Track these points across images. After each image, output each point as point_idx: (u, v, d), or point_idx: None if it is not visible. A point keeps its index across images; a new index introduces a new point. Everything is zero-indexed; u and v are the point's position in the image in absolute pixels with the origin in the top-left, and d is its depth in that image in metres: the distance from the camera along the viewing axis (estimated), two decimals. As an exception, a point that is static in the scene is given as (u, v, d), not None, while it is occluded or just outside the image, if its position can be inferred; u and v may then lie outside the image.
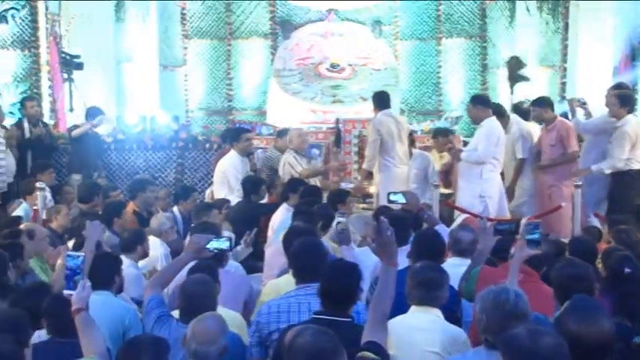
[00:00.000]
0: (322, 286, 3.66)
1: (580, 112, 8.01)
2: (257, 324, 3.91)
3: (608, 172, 7.47)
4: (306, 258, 4.06)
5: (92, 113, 9.59)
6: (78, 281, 3.46)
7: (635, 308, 4.18)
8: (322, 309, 3.62)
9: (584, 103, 8.03)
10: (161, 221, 6.55)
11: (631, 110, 7.53)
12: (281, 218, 6.69)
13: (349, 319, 3.58)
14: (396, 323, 3.55)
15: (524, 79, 11.47)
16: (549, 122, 7.97)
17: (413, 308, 3.75)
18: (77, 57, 10.47)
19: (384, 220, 3.24)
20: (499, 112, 7.96)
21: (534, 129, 8.42)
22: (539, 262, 4.45)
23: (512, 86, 9.54)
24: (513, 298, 3.15)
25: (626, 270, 4.33)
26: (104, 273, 4.30)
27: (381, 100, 8.24)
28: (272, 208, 7.23)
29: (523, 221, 6.91)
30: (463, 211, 7.29)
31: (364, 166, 8.18)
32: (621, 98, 7.48)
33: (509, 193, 8.01)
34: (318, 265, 3.93)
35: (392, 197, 6.14)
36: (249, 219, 6.95)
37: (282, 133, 9.05)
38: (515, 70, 9.58)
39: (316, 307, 3.73)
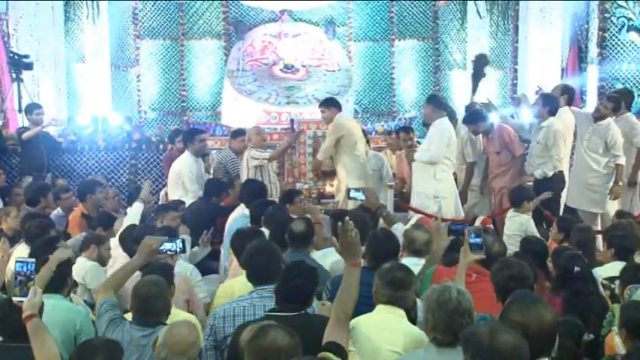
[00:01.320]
0: (279, 286, 3.67)
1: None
2: (212, 328, 3.87)
3: (550, 174, 7.61)
4: (261, 261, 4.02)
5: (29, 109, 9.48)
6: (29, 288, 3.41)
7: (585, 306, 4.27)
8: (276, 307, 3.64)
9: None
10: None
11: (553, 112, 7.69)
12: (234, 218, 6.66)
13: (302, 312, 3.61)
14: (361, 321, 3.58)
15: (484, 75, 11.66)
16: (487, 132, 8.14)
17: (378, 307, 3.76)
18: (26, 57, 10.26)
19: (348, 221, 3.26)
20: (450, 116, 8.07)
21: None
22: (490, 261, 4.51)
23: (476, 84, 9.68)
24: (456, 296, 3.22)
25: (576, 269, 4.42)
26: (55, 276, 4.21)
27: (337, 103, 8.31)
28: (229, 210, 7.19)
29: (478, 221, 7.05)
30: (417, 211, 7.34)
31: (318, 156, 8.28)
32: (544, 99, 7.73)
33: (462, 197, 8.09)
34: (274, 268, 3.93)
35: (352, 194, 6.21)
36: (206, 220, 6.90)
37: (235, 134, 9.00)
38: (482, 67, 9.73)
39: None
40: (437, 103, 7.69)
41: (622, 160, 7.54)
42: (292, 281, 3.65)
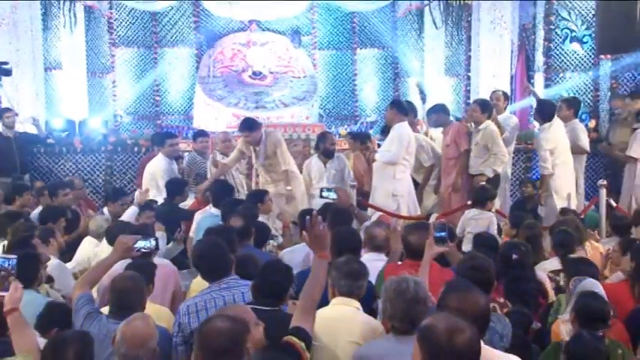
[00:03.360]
0: (256, 281, 3.68)
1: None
2: (179, 325, 3.84)
3: (499, 170, 7.76)
4: (210, 261, 4.00)
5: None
6: (11, 282, 3.40)
7: (523, 290, 4.35)
8: (253, 300, 3.64)
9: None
10: (99, 224, 6.43)
11: (489, 116, 7.90)
12: (202, 217, 6.63)
13: (276, 308, 3.61)
14: (319, 315, 3.58)
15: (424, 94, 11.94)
16: (445, 126, 8.21)
17: (334, 301, 3.78)
18: (5, 63, 10.11)
19: (316, 215, 3.28)
20: (412, 111, 8.25)
21: (436, 133, 8.67)
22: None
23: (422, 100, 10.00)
24: (413, 285, 3.27)
25: (514, 256, 4.50)
26: (27, 272, 4.15)
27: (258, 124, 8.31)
28: (192, 213, 7.15)
29: (432, 219, 7.11)
30: (377, 209, 7.38)
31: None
32: (482, 106, 7.87)
33: (418, 196, 8.15)
34: (224, 263, 3.95)
35: (324, 193, 6.21)
36: (172, 220, 6.86)
37: (195, 135, 8.96)
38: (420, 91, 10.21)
39: (231, 300, 3.79)
40: (399, 108, 7.74)
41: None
42: (270, 277, 3.67)
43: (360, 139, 8.97)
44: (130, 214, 6.69)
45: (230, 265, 3.95)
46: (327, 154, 8.18)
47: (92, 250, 6.20)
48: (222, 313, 2.97)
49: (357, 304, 3.78)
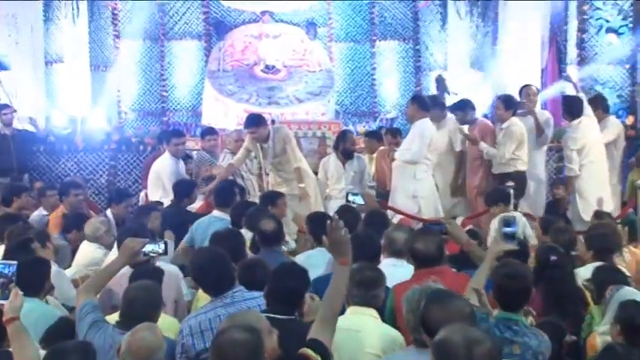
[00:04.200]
0: (270, 287, 3.66)
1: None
2: (182, 346, 3.80)
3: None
4: (212, 274, 3.93)
5: None
6: (11, 289, 3.40)
7: (561, 295, 4.30)
8: (267, 308, 3.64)
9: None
10: (95, 226, 6.42)
11: (514, 112, 7.90)
12: (208, 222, 6.63)
13: (293, 317, 3.59)
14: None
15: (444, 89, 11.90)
16: (471, 123, 8.19)
17: (350, 310, 3.77)
18: (4, 56, 10.21)
19: (337, 219, 3.28)
20: (439, 105, 8.26)
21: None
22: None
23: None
24: None
25: (552, 257, 4.45)
26: (33, 279, 4.18)
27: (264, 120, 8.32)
28: (201, 216, 7.15)
29: (458, 221, 7.06)
30: (397, 211, 7.36)
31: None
32: (506, 102, 7.82)
33: (453, 188, 8.12)
34: (227, 276, 3.90)
35: (350, 198, 6.24)
36: (179, 225, 6.87)
37: (203, 133, 8.98)
38: (443, 85, 10.13)
39: None
40: (421, 103, 7.73)
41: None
42: (284, 283, 3.66)
43: (391, 133, 8.98)
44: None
45: (234, 277, 3.88)
46: (346, 155, 8.19)
47: (91, 254, 6.22)
48: (233, 321, 2.97)
49: (375, 312, 3.78)
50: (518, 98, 8.58)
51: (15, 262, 3.55)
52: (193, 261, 4.14)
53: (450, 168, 8.32)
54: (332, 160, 8.31)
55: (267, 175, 8.34)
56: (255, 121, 7.95)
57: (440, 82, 11.23)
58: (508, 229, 3.99)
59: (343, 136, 8.45)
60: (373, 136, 9.35)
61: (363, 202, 6.22)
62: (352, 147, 8.25)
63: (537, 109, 8.59)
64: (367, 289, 3.73)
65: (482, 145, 7.94)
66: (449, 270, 4.32)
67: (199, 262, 4.05)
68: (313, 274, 5.09)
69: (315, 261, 5.21)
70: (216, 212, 6.56)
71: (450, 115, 8.39)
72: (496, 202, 6.97)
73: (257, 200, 7.37)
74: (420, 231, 4.74)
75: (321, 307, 3.27)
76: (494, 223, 6.63)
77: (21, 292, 3.41)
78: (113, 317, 3.88)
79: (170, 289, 4.83)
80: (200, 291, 4.78)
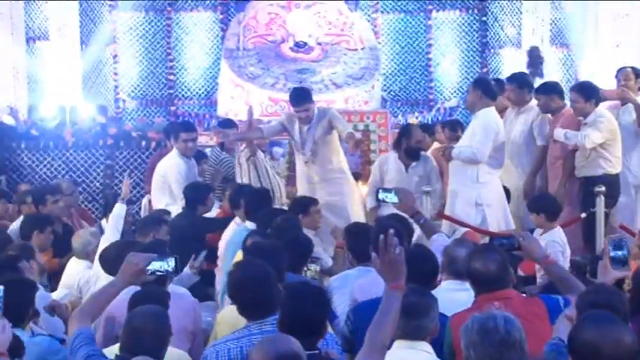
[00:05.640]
0: (283, 315, 3.70)
1: None
2: None
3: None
4: (253, 293, 3.98)
5: None
6: None
7: None
8: None
9: None
10: (85, 240, 6.51)
11: (597, 102, 7.88)
12: (230, 235, 6.74)
13: (316, 351, 3.63)
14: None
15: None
16: (556, 112, 8.15)
17: (396, 344, 3.81)
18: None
19: (391, 234, 3.32)
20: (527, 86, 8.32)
21: None
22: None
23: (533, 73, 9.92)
24: (503, 324, 3.25)
25: None
26: (15, 306, 4.21)
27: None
28: (222, 223, 7.23)
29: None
30: (456, 222, 7.37)
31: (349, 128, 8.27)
32: (584, 92, 7.94)
33: (528, 193, 8.11)
34: (271, 298, 3.94)
35: (381, 195, 6.22)
36: (193, 237, 6.95)
37: (221, 125, 9.04)
38: (538, 63, 9.97)
39: None
40: (486, 89, 7.69)
41: None
42: (299, 309, 3.68)
43: (450, 127, 8.97)
44: (117, 217, 6.77)
45: (278, 301, 3.91)
46: (411, 155, 8.18)
47: (81, 273, 6.32)
48: (267, 346, 3.06)
49: (427, 346, 3.81)
50: (614, 82, 8.55)
51: (1, 287, 3.59)
52: (231, 276, 4.19)
53: (526, 167, 8.30)
54: (392, 161, 8.27)
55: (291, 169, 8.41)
56: (306, 95, 8.07)
57: (534, 56, 11.05)
58: (619, 253, 3.99)
59: (407, 131, 8.42)
60: (425, 129, 9.37)
61: (397, 201, 6.18)
62: (419, 145, 8.23)
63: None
64: (409, 319, 3.74)
65: (558, 131, 7.90)
66: (517, 295, 4.32)
67: (239, 278, 4.10)
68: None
69: (354, 283, 5.26)
70: (248, 223, 6.61)
71: (533, 102, 8.39)
72: (537, 210, 6.98)
73: (285, 207, 7.45)
74: (480, 247, 4.76)
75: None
76: (545, 237, 6.67)
77: (9, 324, 3.46)
78: (112, 350, 3.95)
79: (185, 318, 4.86)
80: (222, 313, 4.87)
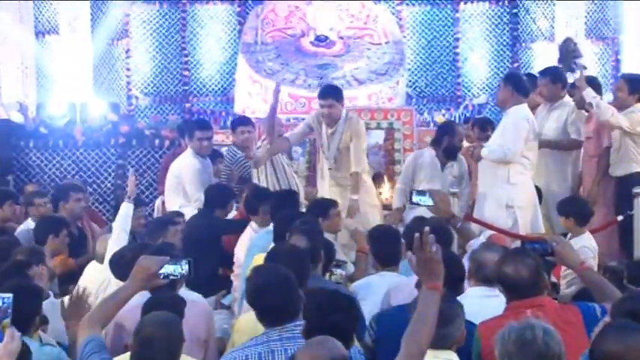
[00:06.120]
0: (310, 324, 3.70)
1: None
2: None
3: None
4: (274, 298, 3.98)
5: None
6: (6, 327, 3.49)
7: None
8: None
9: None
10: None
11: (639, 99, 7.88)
12: (248, 240, 6.75)
13: None
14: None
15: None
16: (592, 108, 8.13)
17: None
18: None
19: (427, 231, 3.33)
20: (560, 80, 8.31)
21: None
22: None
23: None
24: (541, 336, 3.24)
25: None
26: (22, 312, 4.19)
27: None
28: (240, 225, 7.24)
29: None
30: (486, 225, 7.35)
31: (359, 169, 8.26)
32: (631, 83, 7.94)
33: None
34: (292, 304, 3.94)
35: (415, 198, 6.22)
36: (208, 238, 6.97)
37: (234, 124, 9.05)
38: (569, 57, 9.84)
39: None
40: (518, 85, 7.66)
41: None
42: (328, 317, 3.67)
43: (480, 125, 8.95)
44: (124, 217, 6.81)
45: (300, 307, 3.92)
46: (450, 154, 8.17)
47: (99, 279, 6.36)
48: (317, 349, 3.11)
49: (452, 355, 3.82)
50: None
51: (10, 295, 3.63)
52: (251, 281, 4.18)
53: (559, 166, 8.27)
54: (427, 157, 8.27)
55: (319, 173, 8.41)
56: (335, 91, 8.10)
57: (567, 48, 10.91)
58: None
59: (450, 129, 8.40)
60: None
61: (431, 203, 6.17)
62: (460, 144, 8.22)
63: None
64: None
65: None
66: (551, 302, 4.31)
67: (259, 283, 4.09)
68: (375, 306, 5.19)
69: (378, 289, 5.26)
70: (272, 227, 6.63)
71: (567, 97, 8.37)
72: (567, 214, 6.94)
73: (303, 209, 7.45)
74: (513, 251, 4.74)
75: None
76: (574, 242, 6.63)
77: (18, 333, 3.47)
78: (122, 359, 3.98)
79: (198, 325, 4.87)
80: (239, 319, 4.89)
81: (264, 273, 4.21)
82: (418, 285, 4.45)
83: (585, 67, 8.80)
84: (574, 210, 7.03)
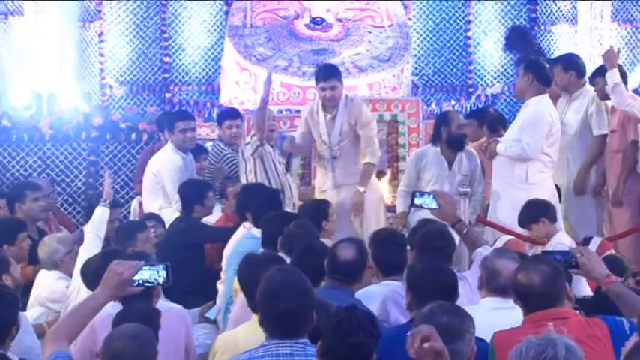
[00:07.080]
0: (327, 343, 3.66)
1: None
2: None
3: None
4: (287, 304, 3.95)
5: None
6: None
7: None
8: None
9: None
10: (52, 248, 6.49)
11: None
12: (235, 241, 6.75)
13: None
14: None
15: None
16: None
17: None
18: None
19: (416, 331, 3.22)
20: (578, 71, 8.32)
21: None
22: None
23: None
24: (564, 354, 3.21)
25: None
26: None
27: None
28: (224, 233, 7.21)
29: (593, 246, 7.02)
30: (500, 228, 7.35)
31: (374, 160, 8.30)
32: None
33: (579, 191, 8.10)
34: (304, 316, 3.94)
35: (417, 200, 6.21)
36: (188, 245, 6.97)
37: (220, 117, 9.05)
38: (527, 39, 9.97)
39: None
40: (539, 73, 7.67)
41: None
42: (348, 337, 3.64)
43: (489, 125, 8.93)
44: (98, 222, 6.79)
45: (310, 321, 3.95)
46: (454, 144, 8.12)
47: (53, 286, 6.34)
48: None
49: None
50: None
51: None
52: (265, 285, 4.14)
53: (579, 163, 8.27)
54: (432, 157, 8.21)
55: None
56: (338, 71, 8.22)
57: (518, 34, 10.87)
58: None
59: (445, 118, 8.34)
60: (474, 116, 9.36)
61: (435, 207, 6.15)
62: (463, 131, 8.17)
63: None
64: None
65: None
66: (575, 314, 4.30)
67: (270, 286, 4.06)
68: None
69: (378, 299, 5.26)
70: (255, 230, 6.62)
71: (588, 86, 8.37)
72: (535, 219, 6.92)
73: (295, 210, 7.45)
74: (531, 258, 4.73)
75: None
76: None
77: None
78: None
79: (176, 335, 4.92)
80: (218, 339, 4.87)
81: (281, 276, 4.13)
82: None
83: (619, 50, 8.82)
84: (539, 211, 6.96)
